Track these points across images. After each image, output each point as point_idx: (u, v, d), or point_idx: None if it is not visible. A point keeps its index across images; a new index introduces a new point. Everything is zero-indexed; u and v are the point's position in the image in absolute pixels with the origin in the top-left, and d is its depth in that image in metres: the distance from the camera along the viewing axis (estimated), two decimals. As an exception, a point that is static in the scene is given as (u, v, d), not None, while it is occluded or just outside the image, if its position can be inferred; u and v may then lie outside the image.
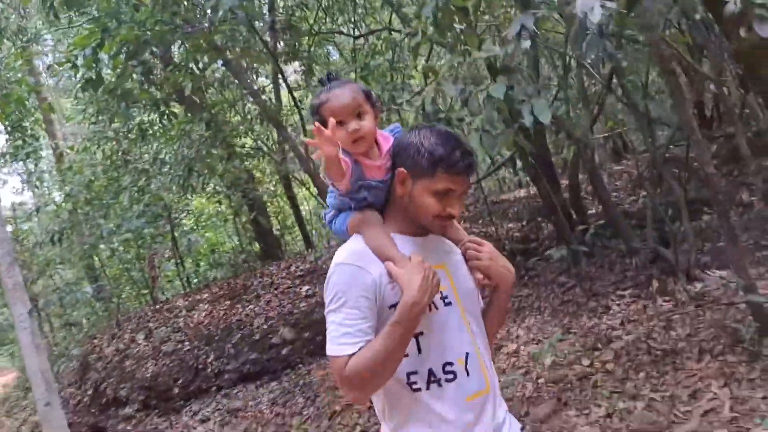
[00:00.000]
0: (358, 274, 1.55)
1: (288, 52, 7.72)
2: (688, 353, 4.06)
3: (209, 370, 7.67)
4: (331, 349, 1.54)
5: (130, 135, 9.61)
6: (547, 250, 6.80)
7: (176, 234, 13.23)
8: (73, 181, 10.41)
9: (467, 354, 1.62)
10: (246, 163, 10.42)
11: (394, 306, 1.54)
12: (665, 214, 5.72)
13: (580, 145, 5.72)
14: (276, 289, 8.90)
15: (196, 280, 13.95)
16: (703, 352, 4.00)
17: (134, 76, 6.48)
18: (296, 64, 9.27)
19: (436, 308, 1.61)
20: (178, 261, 14.04)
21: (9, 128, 12.06)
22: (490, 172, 9.17)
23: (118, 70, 6.08)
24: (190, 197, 12.90)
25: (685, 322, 4.51)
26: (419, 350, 1.59)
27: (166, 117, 7.30)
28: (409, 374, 1.59)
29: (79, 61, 5.74)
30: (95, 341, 9.61)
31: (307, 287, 8.57)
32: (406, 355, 1.57)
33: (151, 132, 9.38)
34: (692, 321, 4.47)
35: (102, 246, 12.19)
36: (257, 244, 14.10)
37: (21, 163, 14.52)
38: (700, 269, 5.32)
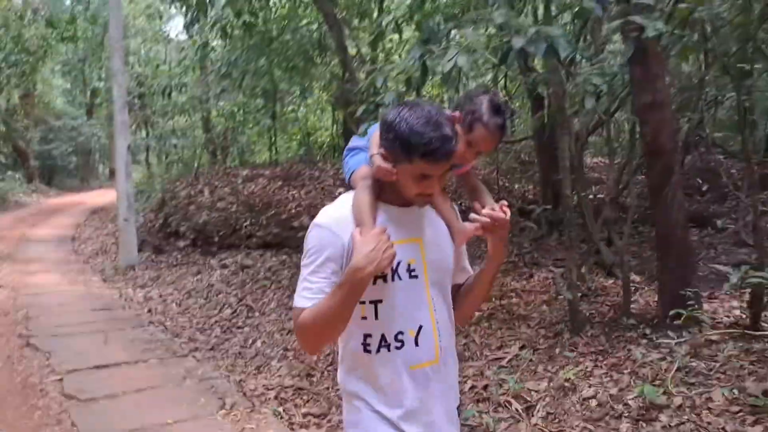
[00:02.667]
0: (329, 238, 1.64)
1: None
2: (521, 322, 5.24)
3: (242, 231, 9.58)
4: (294, 300, 1.66)
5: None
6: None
7: (276, 109, 15.01)
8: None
9: (421, 326, 1.69)
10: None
11: None
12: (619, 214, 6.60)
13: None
14: (319, 183, 10.51)
15: (280, 155, 15.83)
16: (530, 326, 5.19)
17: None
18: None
19: (400, 279, 1.68)
20: (273, 135, 16.00)
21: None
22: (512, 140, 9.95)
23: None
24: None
25: (551, 306, 5.62)
26: (376, 316, 1.68)
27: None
28: (365, 335, 1.69)
29: None
30: (177, 183, 11.82)
31: (341, 189, 10.11)
32: (365, 318, 1.68)
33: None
34: (551, 306, 5.58)
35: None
36: (342, 140, 15.71)
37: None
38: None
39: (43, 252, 11.77)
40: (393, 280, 1.67)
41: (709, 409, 3.59)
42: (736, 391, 3.69)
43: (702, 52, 6.71)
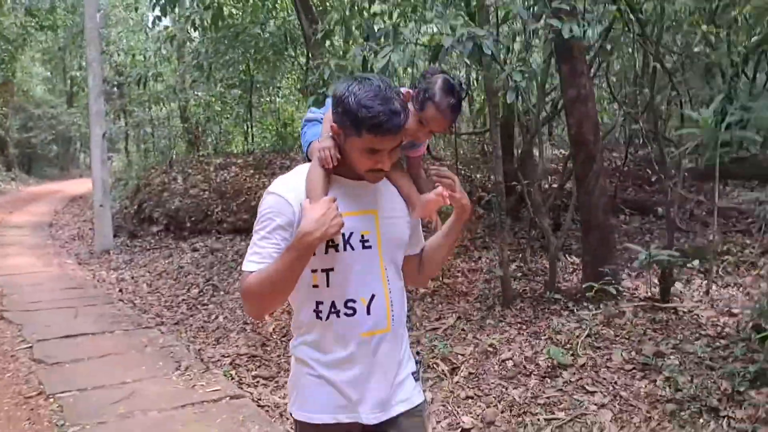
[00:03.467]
0: (281, 205, 1.66)
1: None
2: (460, 298, 5.72)
3: (213, 217, 9.96)
4: (243, 265, 1.68)
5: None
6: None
7: (252, 100, 15.33)
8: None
9: (373, 295, 1.73)
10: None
11: None
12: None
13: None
14: (288, 171, 10.87)
15: (256, 145, 16.13)
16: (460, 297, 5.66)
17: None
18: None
19: (352, 249, 1.70)
20: (248, 125, 16.31)
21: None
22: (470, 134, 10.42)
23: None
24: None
25: (489, 284, 6.08)
26: (327, 284, 1.71)
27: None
28: (317, 302, 1.72)
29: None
30: (152, 171, 12.15)
31: (310, 177, 10.49)
32: (317, 287, 1.72)
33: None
34: (490, 284, 6.04)
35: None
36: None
37: None
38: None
39: (19, 237, 12.05)
40: (345, 249, 1.70)
41: (607, 367, 4.08)
42: (633, 353, 4.18)
43: (641, 50, 7.27)
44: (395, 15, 5.46)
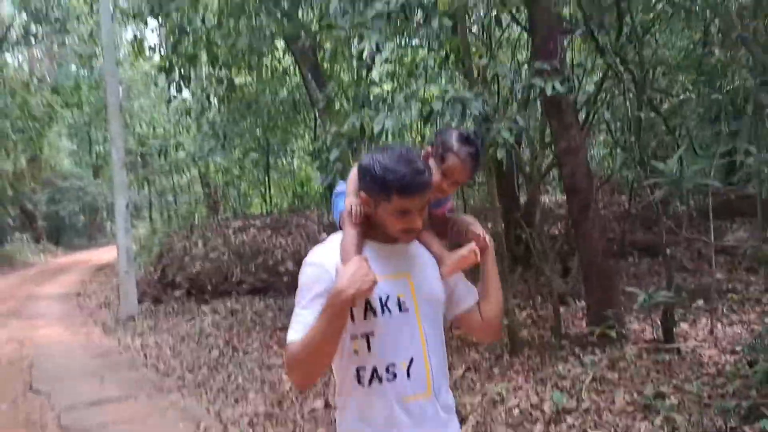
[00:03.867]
0: (319, 274, 1.70)
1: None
2: (470, 348, 5.85)
3: (233, 278, 10.26)
4: (287, 336, 1.70)
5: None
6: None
7: (270, 162, 15.90)
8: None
9: (412, 358, 1.72)
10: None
11: None
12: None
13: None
14: (305, 230, 11.21)
15: (274, 207, 16.62)
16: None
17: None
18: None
19: (390, 312, 1.71)
20: (266, 187, 16.84)
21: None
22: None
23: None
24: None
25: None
26: (369, 349, 1.71)
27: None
28: (358, 369, 1.72)
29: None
30: (174, 236, 12.56)
31: (325, 234, 10.81)
32: (357, 353, 1.72)
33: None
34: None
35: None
36: (323, 188, 16.53)
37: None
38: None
39: (48, 308, 12.44)
40: (383, 313, 1.71)
41: (609, 410, 4.19)
42: (635, 395, 4.28)
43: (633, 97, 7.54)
44: (391, 82, 5.84)
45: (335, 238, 1.80)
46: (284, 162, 17.42)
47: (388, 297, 1.72)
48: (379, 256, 1.75)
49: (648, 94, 6.89)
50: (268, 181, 16.39)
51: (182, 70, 7.50)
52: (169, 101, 9.37)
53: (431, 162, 1.83)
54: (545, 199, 11.04)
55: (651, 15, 6.40)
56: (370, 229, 1.77)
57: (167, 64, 7.87)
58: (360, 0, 4.79)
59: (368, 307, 1.70)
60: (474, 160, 1.84)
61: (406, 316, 1.74)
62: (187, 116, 10.31)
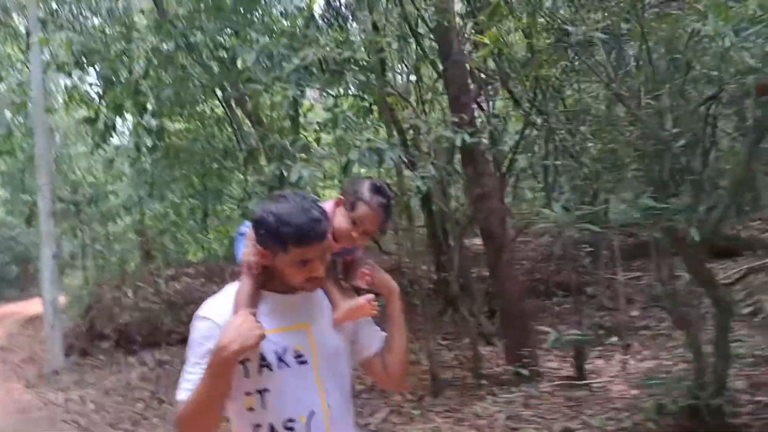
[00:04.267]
0: (210, 330, 1.64)
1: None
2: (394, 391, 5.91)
3: (164, 329, 10.03)
4: (176, 394, 1.65)
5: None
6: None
7: (207, 208, 15.78)
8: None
9: (312, 412, 1.67)
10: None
11: None
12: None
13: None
14: (238, 278, 11.11)
15: (210, 254, 16.39)
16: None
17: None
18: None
19: (287, 366, 1.66)
20: (203, 234, 16.64)
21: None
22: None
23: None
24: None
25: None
26: (263, 406, 1.66)
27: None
28: (255, 426, 1.67)
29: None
30: (103, 287, 12.24)
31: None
32: (252, 410, 1.66)
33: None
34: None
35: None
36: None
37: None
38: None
39: (-32, 364, 11.83)
40: (279, 368, 1.66)
41: (521, 447, 4.31)
42: (545, 431, 4.43)
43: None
44: (314, 132, 6.02)
45: (230, 289, 1.75)
46: (221, 208, 17.31)
47: (285, 350, 1.67)
48: (277, 307, 1.71)
49: (562, 142, 7.29)
50: (206, 227, 16.21)
51: (108, 120, 7.50)
52: (91, 151, 9.30)
53: (341, 210, 1.81)
54: (478, 241, 11.35)
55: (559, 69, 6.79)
56: (268, 280, 1.72)
57: (95, 114, 7.86)
58: (278, 55, 4.97)
59: (262, 362, 1.65)
60: (385, 210, 1.81)
61: (304, 369, 1.69)
62: (120, 163, 10.21)
